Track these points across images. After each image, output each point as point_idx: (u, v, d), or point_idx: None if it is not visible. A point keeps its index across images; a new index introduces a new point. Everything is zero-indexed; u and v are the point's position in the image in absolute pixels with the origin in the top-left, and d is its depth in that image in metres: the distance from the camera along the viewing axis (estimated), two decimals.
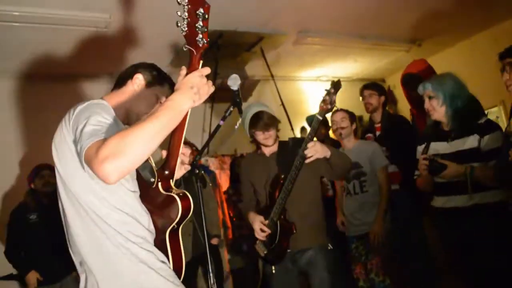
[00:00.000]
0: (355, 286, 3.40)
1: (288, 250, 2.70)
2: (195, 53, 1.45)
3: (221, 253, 4.14)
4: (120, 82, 1.71)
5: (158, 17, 3.79)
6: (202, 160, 4.38)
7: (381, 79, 6.87)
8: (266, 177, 2.85)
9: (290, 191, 2.63)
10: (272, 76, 5.10)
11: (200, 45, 1.42)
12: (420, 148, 2.58)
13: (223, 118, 1.81)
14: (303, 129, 5.90)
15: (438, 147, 2.51)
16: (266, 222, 2.73)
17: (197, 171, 1.85)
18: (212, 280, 1.97)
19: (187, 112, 1.48)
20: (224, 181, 5.02)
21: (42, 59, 4.35)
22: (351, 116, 3.53)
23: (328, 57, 5.76)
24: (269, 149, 2.92)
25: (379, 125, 3.78)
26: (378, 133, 3.76)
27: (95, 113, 1.42)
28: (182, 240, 3.39)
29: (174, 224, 1.57)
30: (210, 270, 1.98)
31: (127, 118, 1.67)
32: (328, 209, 3.75)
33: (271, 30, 4.66)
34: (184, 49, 1.46)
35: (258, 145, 2.94)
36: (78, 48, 4.22)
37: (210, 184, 4.04)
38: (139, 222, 1.51)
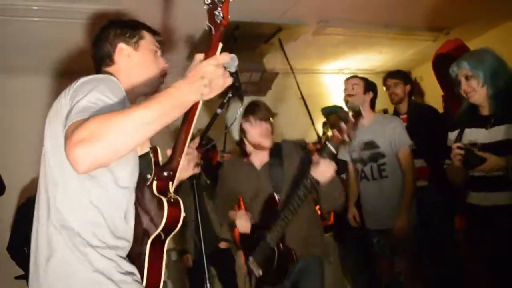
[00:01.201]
0: (379, 282, 3.15)
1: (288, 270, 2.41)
2: (213, 32, 1.26)
3: (238, 255, 3.94)
4: (105, 61, 1.53)
5: (173, 9, 3.66)
6: (219, 157, 4.21)
7: (406, 70, 6.59)
8: (255, 193, 2.52)
9: (290, 220, 2.30)
10: (291, 68, 4.91)
11: (218, 21, 1.23)
12: (452, 136, 2.29)
13: (221, 106, 1.61)
14: (324, 123, 5.69)
15: (475, 134, 2.23)
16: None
17: None
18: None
19: (197, 104, 1.28)
20: None
21: (71, 55, 4.33)
22: (367, 83, 3.08)
23: (350, 49, 5.52)
24: (260, 159, 2.52)
25: (405, 116, 3.53)
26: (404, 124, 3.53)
27: (97, 89, 1.23)
28: (186, 242, 3.18)
29: (158, 231, 1.34)
30: (207, 278, 1.85)
31: (136, 92, 1.51)
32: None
33: (290, 20, 4.46)
34: (206, 28, 1.28)
35: (244, 150, 2.54)
36: None
37: None
38: (113, 224, 1.31)
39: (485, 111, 2.26)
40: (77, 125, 1.08)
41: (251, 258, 2.51)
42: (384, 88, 3.64)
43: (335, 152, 2.10)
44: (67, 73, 4.66)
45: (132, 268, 1.34)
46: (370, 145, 2.97)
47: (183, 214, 1.37)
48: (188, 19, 3.77)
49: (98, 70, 1.55)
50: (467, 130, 2.25)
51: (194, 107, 1.30)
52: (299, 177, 2.34)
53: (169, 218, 1.32)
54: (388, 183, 2.94)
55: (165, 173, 1.40)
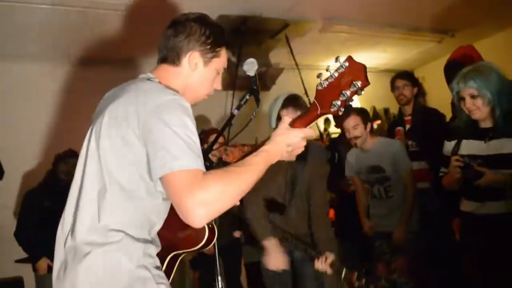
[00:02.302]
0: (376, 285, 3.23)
1: None
2: (318, 112, 1.33)
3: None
4: (173, 56, 1.46)
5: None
6: (222, 150, 4.22)
7: (410, 70, 6.60)
8: (283, 185, 2.67)
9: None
10: (296, 64, 4.92)
11: (332, 110, 1.30)
12: (449, 145, 2.35)
13: (238, 107, 1.64)
14: (326, 120, 5.73)
15: (472, 146, 2.26)
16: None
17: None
18: (220, 284, 1.87)
19: None
20: None
21: (76, 43, 4.32)
22: (364, 117, 3.18)
23: (355, 46, 5.52)
24: None
25: (409, 117, 3.55)
26: (408, 126, 3.55)
27: (185, 124, 1.23)
28: None
29: (184, 251, 1.43)
30: (219, 273, 1.87)
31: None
32: (351, 206, 3.60)
33: (297, 16, 4.46)
34: (309, 101, 1.33)
35: None
36: (108, 34, 4.14)
37: None
38: (154, 231, 1.38)
39: (484, 124, 2.29)
40: (192, 178, 1.14)
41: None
42: (391, 88, 3.63)
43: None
44: (72, 60, 4.66)
45: (160, 264, 1.39)
46: (376, 169, 3.15)
47: (215, 239, 1.43)
48: (195, 7, 3.78)
49: (161, 60, 1.50)
50: (464, 141, 2.29)
51: None
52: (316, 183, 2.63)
53: (205, 243, 1.42)
54: (393, 201, 3.16)
55: None
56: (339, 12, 4.56)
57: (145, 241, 1.34)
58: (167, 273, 1.43)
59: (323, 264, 2.41)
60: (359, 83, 1.27)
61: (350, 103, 1.30)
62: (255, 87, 1.51)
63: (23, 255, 3.91)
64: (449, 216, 3.27)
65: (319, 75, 1.34)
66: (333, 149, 3.98)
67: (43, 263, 3.56)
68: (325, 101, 1.31)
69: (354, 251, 3.76)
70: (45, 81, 4.67)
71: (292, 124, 1.36)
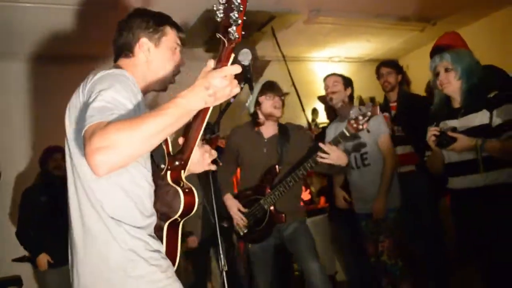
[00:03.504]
0: (367, 263, 3.33)
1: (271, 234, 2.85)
2: (226, 45, 1.27)
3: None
4: (125, 50, 1.57)
5: None
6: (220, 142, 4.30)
7: (394, 59, 6.72)
8: (263, 162, 2.85)
9: (291, 187, 2.71)
10: (283, 56, 4.99)
11: (232, 38, 1.24)
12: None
13: (234, 96, 1.72)
14: (314, 110, 5.81)
15: (449, 124, 2.42)
16: (245, 210, 2.84)
17: None
18: (223, 262, 1.93)
19: (208, 108, 1.36)
20: None
21: (51, 40, 4.28)
22: (345, 80, 3.29)
23: (340, 37, 5.62)
24: (268, 130, 2.91)
25: (394, 104, 3.67)
26: (393, 112, 3.66)
27: (113, 88, 1.29)
28: (192, 223, 3.36)
29: (176, 217, 1.50)
30: (221, 253, 1.94)
31: (148, 87, 1.58)
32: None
33: (283, 9, 4.53)
34: (217, 36, 1.30)
35: (256, 120, 2.90)
36: (86, 29, 4.14)
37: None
38: (141, 206, 1.44)
39: (456, 104, 2.45)
40: (94, 129, 1.15)
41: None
42: (376, 76, 3.75)
43: (348, 135, 2.57)
44: (46, 58, 4.62)
45: (159, 246, 1.47)
46: (352, 136, 3.06)
47: (197, 201, 1.50)
48: (180, 5, 3.83)
49: (116, 59, 1.60)
50: (441, 123, 2.46)
51: (205, 111, 1.39)
52: (302, 153, 2.81)
53: (186, 206, 1.47)
54: (371, 170, 3.13)
55: (177, 163, 1.51)
56: (324, 4, 4.64)
57: (133, 225, 1.41)
58: (170, 240, 1.52)
59: (329, 148, 2.54)
60: (238, 0, 1.19)
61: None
62: (249, 76, 1.58)
63: (20, 254, 3.94)
64: (435, 197, 3.40)
65: (213, 7, 1.25)
66: (323, 138, 4.06)
67: (43, 258, 3.58)
68: (225, 32, 1.25)
69: (347, 235, 3.85)
70: (21, 79, 4.64)
71: (215, 67, 1.28)
